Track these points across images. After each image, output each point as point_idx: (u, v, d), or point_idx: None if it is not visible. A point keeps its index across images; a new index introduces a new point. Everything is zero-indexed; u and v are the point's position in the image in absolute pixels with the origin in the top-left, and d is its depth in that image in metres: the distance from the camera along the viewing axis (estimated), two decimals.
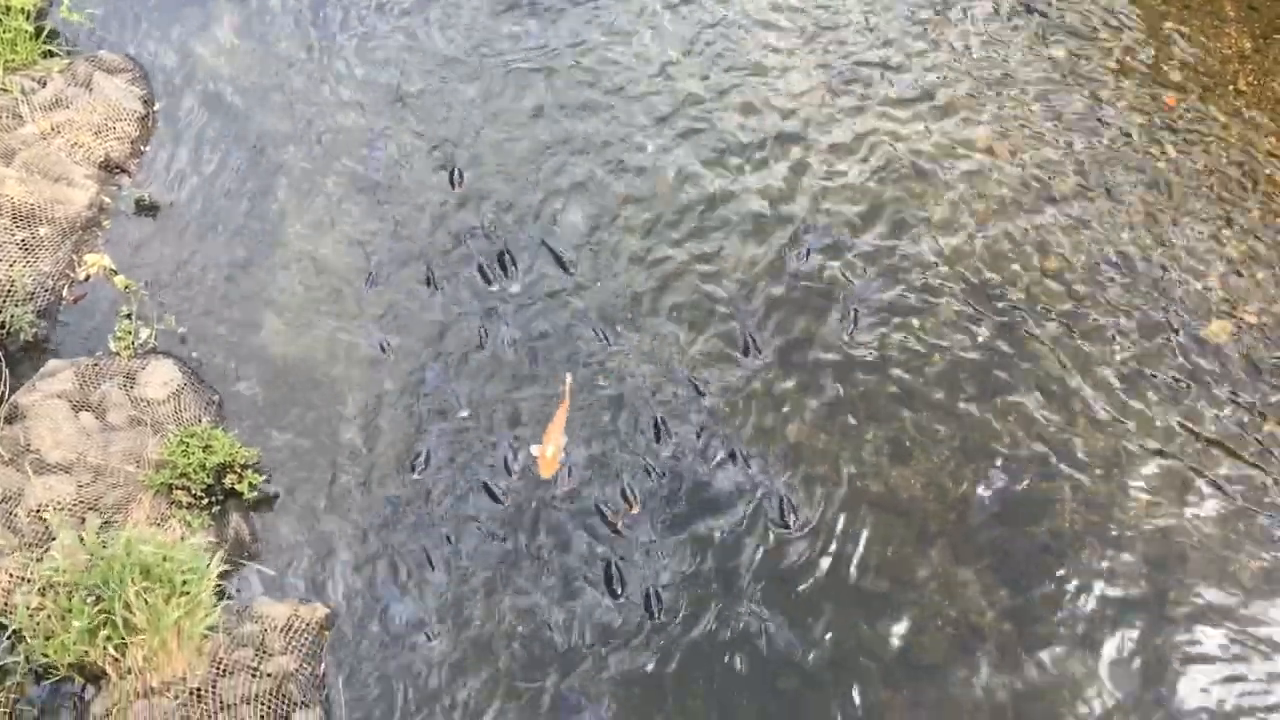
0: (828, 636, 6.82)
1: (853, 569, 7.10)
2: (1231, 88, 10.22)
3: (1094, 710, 6.63)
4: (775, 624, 6.84)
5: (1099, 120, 9.86)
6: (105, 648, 6.03)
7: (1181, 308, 8.55)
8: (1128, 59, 10.41)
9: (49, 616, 6.14)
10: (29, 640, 6.14)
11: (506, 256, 8.56)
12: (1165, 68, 10.35)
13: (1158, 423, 7.89)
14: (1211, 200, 9.30)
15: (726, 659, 6.70)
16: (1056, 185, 9.32)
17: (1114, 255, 8.86)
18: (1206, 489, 7.59)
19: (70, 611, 6.04)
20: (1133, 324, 8.42)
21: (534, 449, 7.45)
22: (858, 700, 6.59)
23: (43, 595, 6.23)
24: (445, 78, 9.80)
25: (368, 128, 9.40)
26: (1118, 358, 8.22)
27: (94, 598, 6.05)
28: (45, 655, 6.11)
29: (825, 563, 7.11)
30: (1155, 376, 8.13)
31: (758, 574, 7.04)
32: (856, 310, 8.38)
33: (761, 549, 7.14)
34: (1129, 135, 9.75)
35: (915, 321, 8.35)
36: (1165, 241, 8.97)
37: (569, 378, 7.80)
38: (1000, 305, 8.47)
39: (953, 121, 9.72)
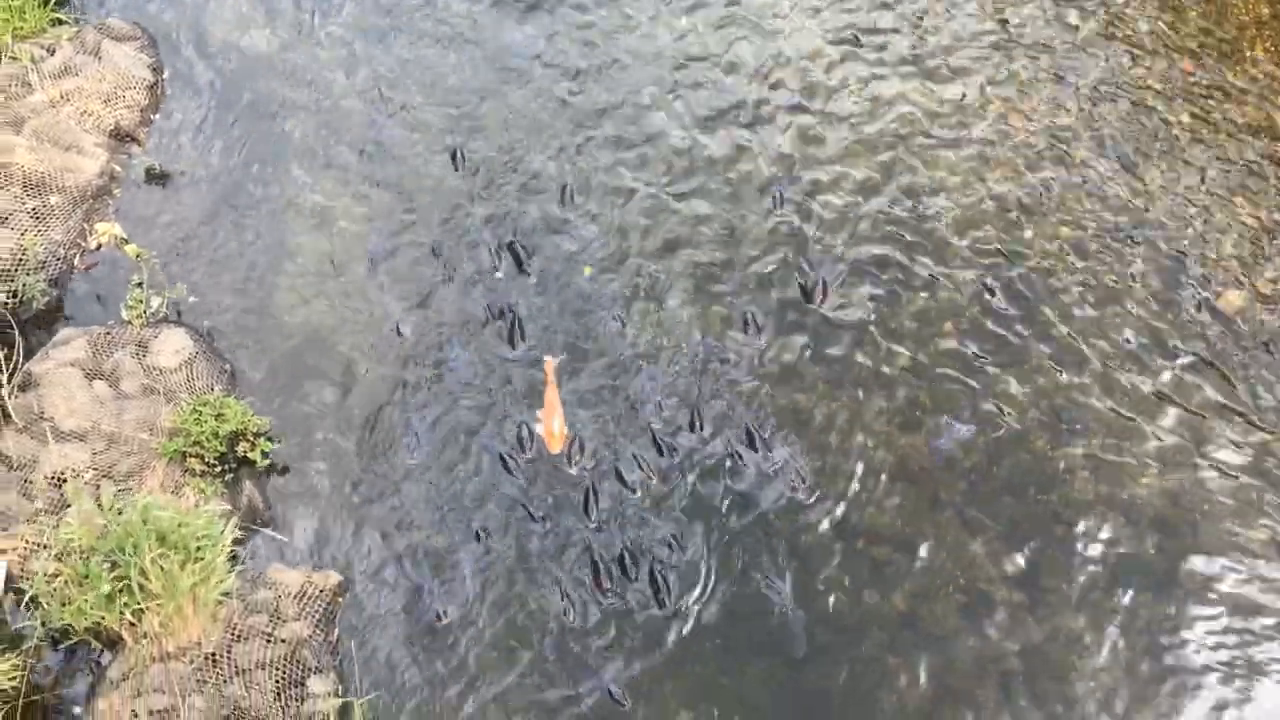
0: (836, 604, 6.85)
1: (862, 537, 7.12)
2: (1249, 55, 10.11)
3: (1103, 678, 6.65)
4: (784, 592, 6.86)
5: (1114, 85, 9.77)
6: (122, 613, 6.07)
7: (1195, 276, 8.50)
8: (1144, 24, 10.30)
9: (66, 582, 6.18)
10: (46, 605, 6.19)
11: (512, 228, 8.55)
12: (1182, 34, 10.24)
13: (1170, 391, 7.86)
14: (1227, 168, 9.22)
15: (735, 626, 6.73)
16: (1071, 152, 9.25)
17: (1128, 223, 8.80)
18: (1218, 457, 7.58)
19: (87, 577, 6.08)
20: (1146, 292, 8.38)
21: (538, 428, 7.44)
22: (866, 667, 6.62)
23: (60, 561, 6.28)
24: (454, 47, 9.74)
25: (378, 96, 9.36)
26: (1130, 326, 8.19)
27: (110, 564, 6.10)
28: (62, 620, 6.15)
29: (834, 531, 7.12)
30: (1168, 345, 8.10)
31: (766, 542, 7.05)
32: (865, 279, 8.35)
33: (770, 517, 7.15)
34: (1145, 101, 9.66)
35: (925, 290, 8.32)
36: (1179, 209, 8.91)
37: (550, 360, 7.71)
38: (1012, 273, 8.43)
39: (966, 87, 9.64)
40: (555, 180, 8.83)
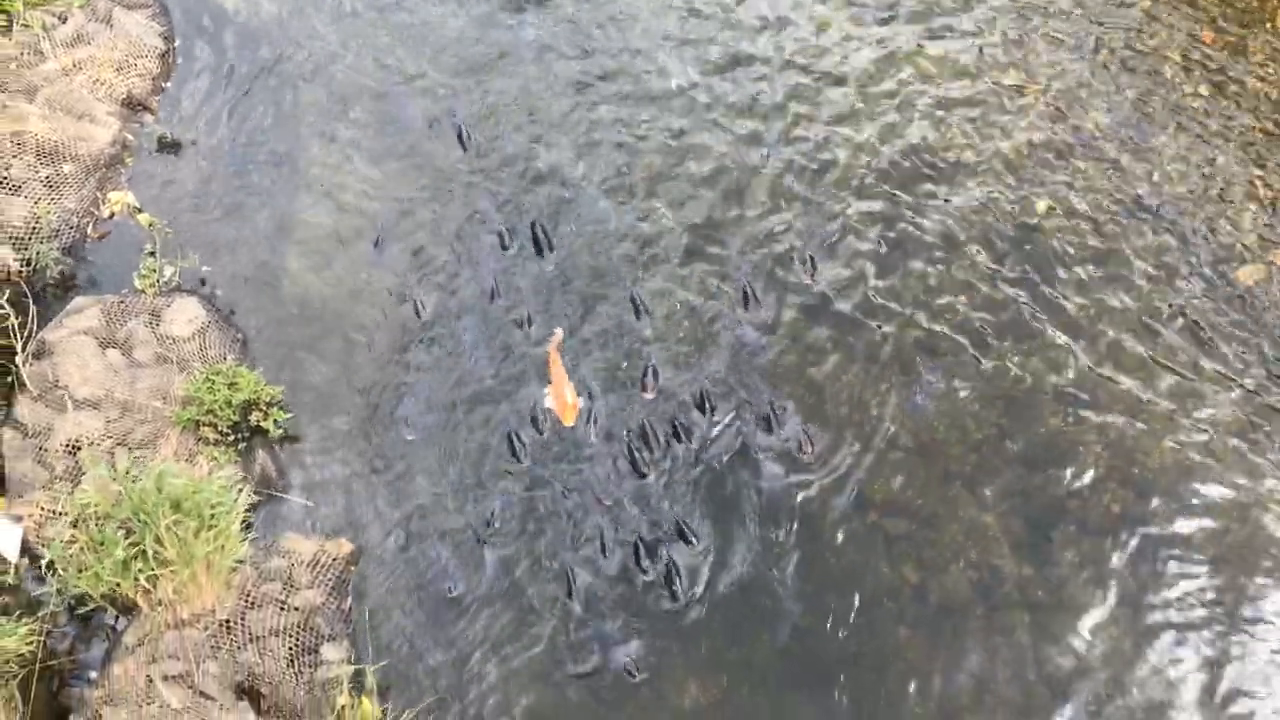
0: (848, 576, 6.86)
1: (874, 510, 7.12)
2: (1269, 26, 9.99)
3: (1113, 653, 6.66)
4: (795, 563, 6.88)
5: (1132, 53, 9.67)
6: (137, 579, 6.11)
7: (1211, 249, 8.45)
8: None
9: (82, 549, 6.23)
10: (62, 572, 6.24)
11: (520, 197, 8.53)
12: (1203, 3, 10.12)
13: (1184, 366, 7.83)
14: (1245, 141, 9.14)
15: (746, 597, 6.75)
16: (1087, 124, 9.17)
17: (1144, 196, 8.74)
18: (1233, 433, 7.55)
19: (103, 544, 6.12)
20: (1161, 266, 8.33)
21: (548, 403, 7.40)
22: (876, 639, 6.64)
23: (75, 528, 6.32)
24: (462, 9, 9.69)
25: (390, 67, 9.32)
26: (1145, 301, 8.14)
27: (125, 531, 6.14)
28: (78, 586, 6.20)
29: (846, 504, 7.12)
30: (1183, 320, 8.06)
31: (779, 514, 7.06)
32: (880, 253, 8.31)
33: (781, 489, 7.16)
34: (1163, 73, 9.57)
35: (939, 264, 8.28)
36: (1197, 183, 8.84)
37: (558, 332, 7.70)
38: (1027, 247, 8.38)
39: (982, 59, 9.56)
40: (562, 142, 8.81)
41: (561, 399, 7.32)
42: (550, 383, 7.45)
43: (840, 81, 9.35)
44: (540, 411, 7.43)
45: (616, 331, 7.83)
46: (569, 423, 7.27)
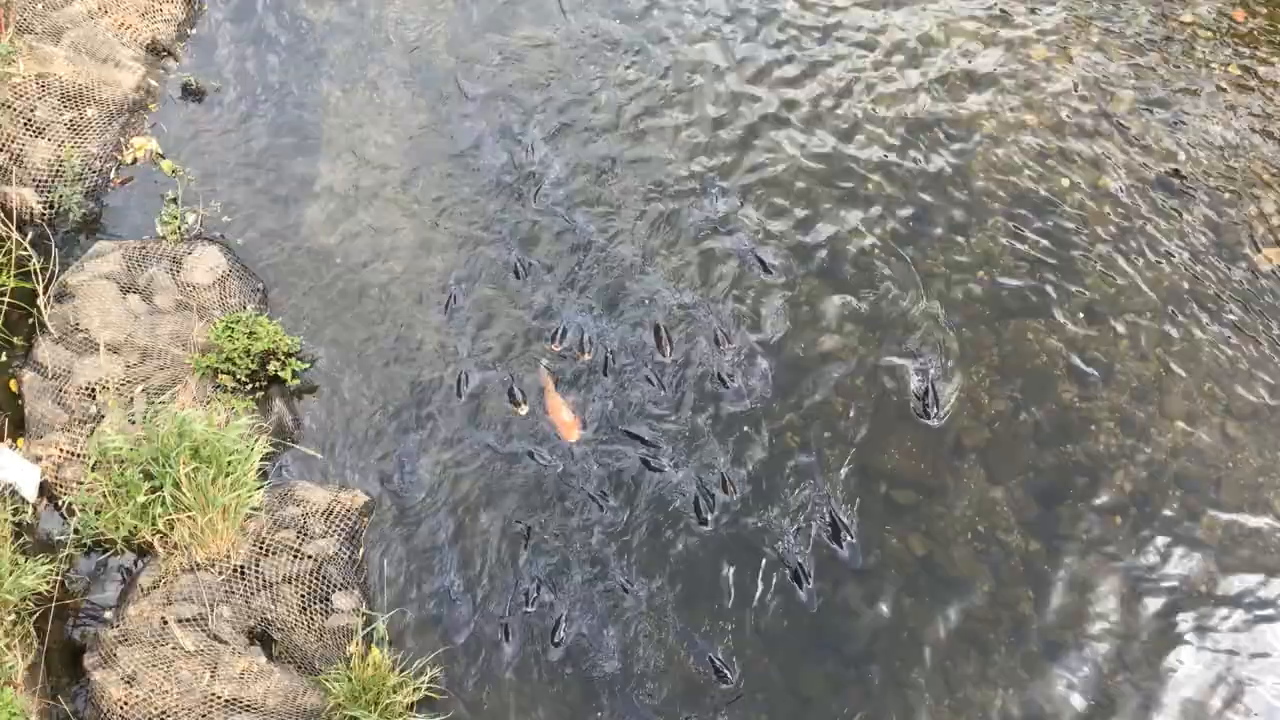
0: (855, 546, 6.90)
1: (883, 480, 7.15)
2: None
3: (1117, 631, 6.70)
4: (803, 533, 6.91)
5: (1162, 34, 9.57)
6: (155, 523, 6.18)
7: (1233, 231, 8.39)
8: None
9: (100, 493, 6.30)
10: (80, 513, 6.31)
11: (548, 158, 8.52)
12: None
13: (1201, 347, 7.81)
14: (1273, 122, 9.05)
15: (755, 566, 6.79)
16: (1114, 100, 9.10)
17: (1168, 175, 8.68)
18: (1246, 415, 7.54)
19: (123, 488, 6.19)
20: (1183, 246, 8.29)
21: (551, 420, 7.33)
22: (881, 606, 6.69)
23: (94, 471, 6.38)
24: None
25: (416, 18, 9.28)
26: (1165, 279, 8.11)
27: (145, 475, 6.20)
28: (97, 528, 6.28)
29: (856, 473, 7.15)
30: (1202, 300, 8.03)
31: (787, 483, 7.09)
32: (897, 221, 8.29)
33: (791, 460, 7.19)
34: (1193, 51, 9.47)
35: (959, 234, 8.25)
36: (1222, 164, 8.77)
37: (544, 372, 7.57)
38: (1049, 221, 8.35)
39: (1011, 31, 9.47)
40: (594, 111, 8.78)
41: (561, 420, 7.31)
42: (548, 407, 7.39)
43: (866, 47, 9.28)
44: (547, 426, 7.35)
45: (637, 292, 7.85)
46: (572, 439, 7.25)
